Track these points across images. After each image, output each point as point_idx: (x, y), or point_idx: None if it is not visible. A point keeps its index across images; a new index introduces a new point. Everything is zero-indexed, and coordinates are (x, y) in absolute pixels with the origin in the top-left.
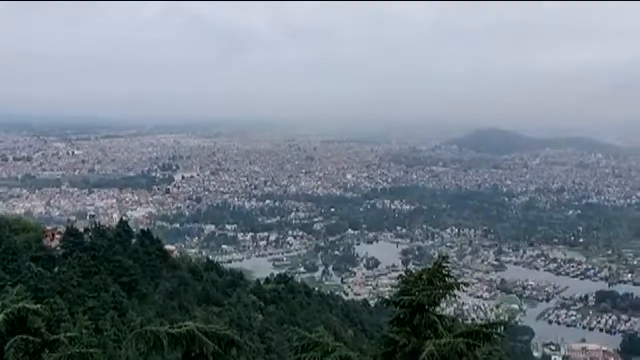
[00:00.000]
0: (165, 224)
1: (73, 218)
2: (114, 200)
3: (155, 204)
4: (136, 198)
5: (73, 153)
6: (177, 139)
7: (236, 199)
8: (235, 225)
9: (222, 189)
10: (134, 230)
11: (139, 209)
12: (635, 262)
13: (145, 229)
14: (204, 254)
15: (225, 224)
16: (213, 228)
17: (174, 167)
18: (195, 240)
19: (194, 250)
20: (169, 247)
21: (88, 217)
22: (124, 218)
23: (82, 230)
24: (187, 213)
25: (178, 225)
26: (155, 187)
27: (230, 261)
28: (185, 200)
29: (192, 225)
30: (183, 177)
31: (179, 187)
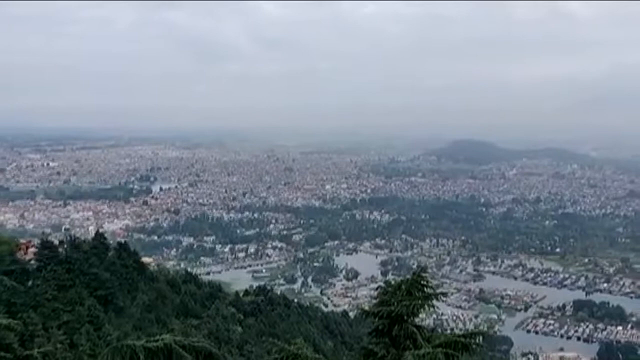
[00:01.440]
0: (142, 235)
1: (47, 230)
2: (90, 212)
3: (132, 216)
4: (113, 210)
5: (48, 164)
6: (155, 150)
7: (214, 210)
8: (214, 237)
9: (201, 200)
10: (111, 242)
11: (115, 220)
12: (611, 271)
13: (122, 241)
14: (182, 265)
15: (204, 235)
16: (191, 240)
17: (152, 179)
18: (173, 252)
19: (171, 262)
20: (146, 259)
21: (63, 230)
22: (100, 230)
23: (56, 242)
24: (164, 225)
25: (155, 237)
26: (132, 199)
27: (208, 273)
28: (163, 211)
29: (170, 237)
30: (161, 189)
31: (156, 199)
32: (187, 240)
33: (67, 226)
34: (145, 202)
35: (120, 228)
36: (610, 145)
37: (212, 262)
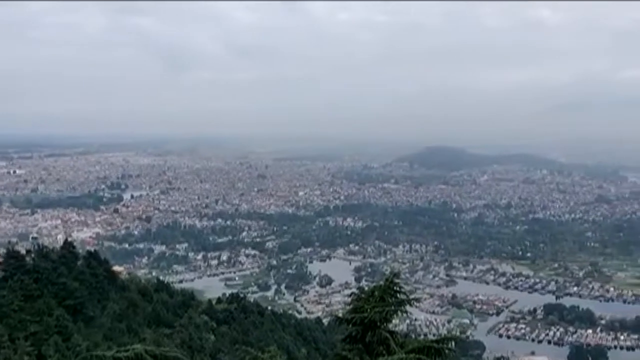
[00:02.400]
0: (113, 244)
1: (14, 240)
2: (59, 221)
3: (102, 224)
4: (82, 218)
5: (14, 172)
6: (126, 157)
7: (187, 218)
8: (186, 245)
9: (173, 208)
10: (80, 251)
11: (85, 229)
12: (581, 275)
13: (92, 249)
14: (153, 274)
15: (176, 243)
16: (163, 247)
17: (123, 186)
18: (144, 260)
19: (143, 271)
20: (117, 268)
21: (30, 239)
22: (69, 239)
23: (23, 252)
24: (136, 233)
25: (127, 246)
26: (102, 207)
27: (181, 281)
28: (134, 219)
29: (141, 245)
30: (132, 196)
31: (127, 207)
32: (159, 248)
33: (35, 235)
34: (116, 210)
35: (90, 236)
36: (578, 151)
37: (184, 270)
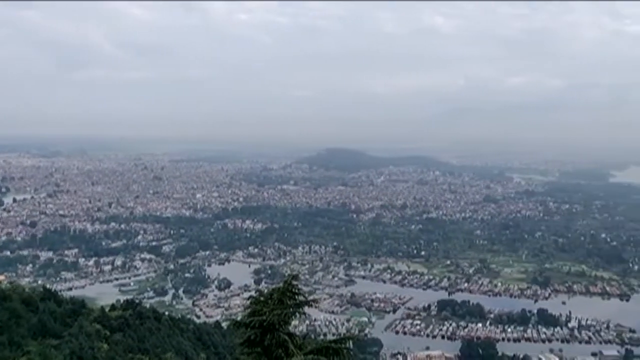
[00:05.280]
0: None
1: None
2: None
3: None
4: None
5: None
6: (7, 158)
7: (77, 222)
8: (76, 250)
9: (61, 212)
10: None
11: None
12: (471, 271)
13: None
14: (39, 282)
15: (65, 249)
16: (50, 254)
17: (3, 189)
18: (29, 268)
19: (27, 279)
20: None
21: None
22: None
23: None
24: (19, 239)
25: (8, 253)
26: None
27: (70, 288)
28: (17, 225)
29: (25, 252)
30: (14, 200)
31: (9, 211)
32: (45, 255)
33: None
34: None
35: None
36: (468, 153)
37: (74, 277)
